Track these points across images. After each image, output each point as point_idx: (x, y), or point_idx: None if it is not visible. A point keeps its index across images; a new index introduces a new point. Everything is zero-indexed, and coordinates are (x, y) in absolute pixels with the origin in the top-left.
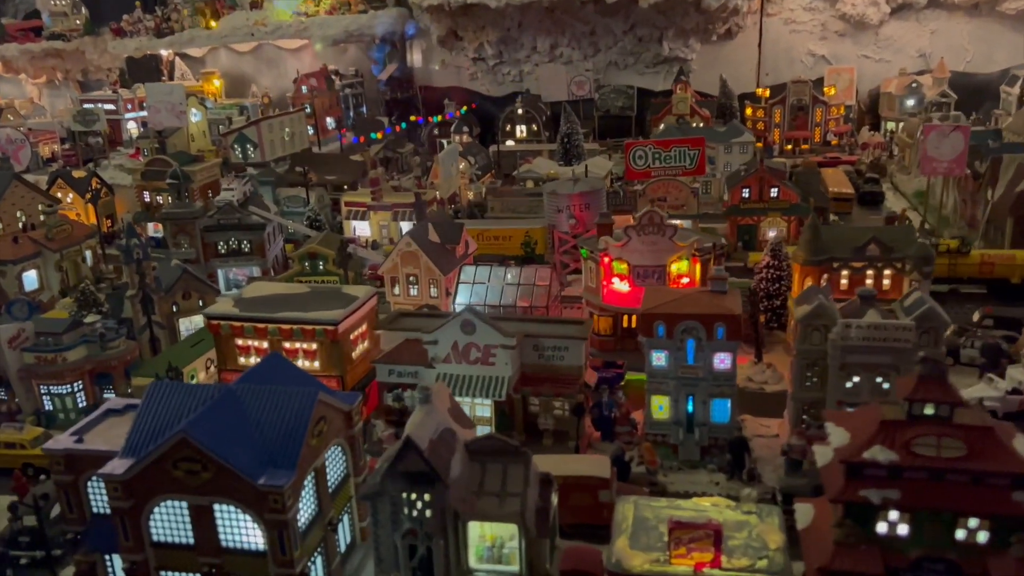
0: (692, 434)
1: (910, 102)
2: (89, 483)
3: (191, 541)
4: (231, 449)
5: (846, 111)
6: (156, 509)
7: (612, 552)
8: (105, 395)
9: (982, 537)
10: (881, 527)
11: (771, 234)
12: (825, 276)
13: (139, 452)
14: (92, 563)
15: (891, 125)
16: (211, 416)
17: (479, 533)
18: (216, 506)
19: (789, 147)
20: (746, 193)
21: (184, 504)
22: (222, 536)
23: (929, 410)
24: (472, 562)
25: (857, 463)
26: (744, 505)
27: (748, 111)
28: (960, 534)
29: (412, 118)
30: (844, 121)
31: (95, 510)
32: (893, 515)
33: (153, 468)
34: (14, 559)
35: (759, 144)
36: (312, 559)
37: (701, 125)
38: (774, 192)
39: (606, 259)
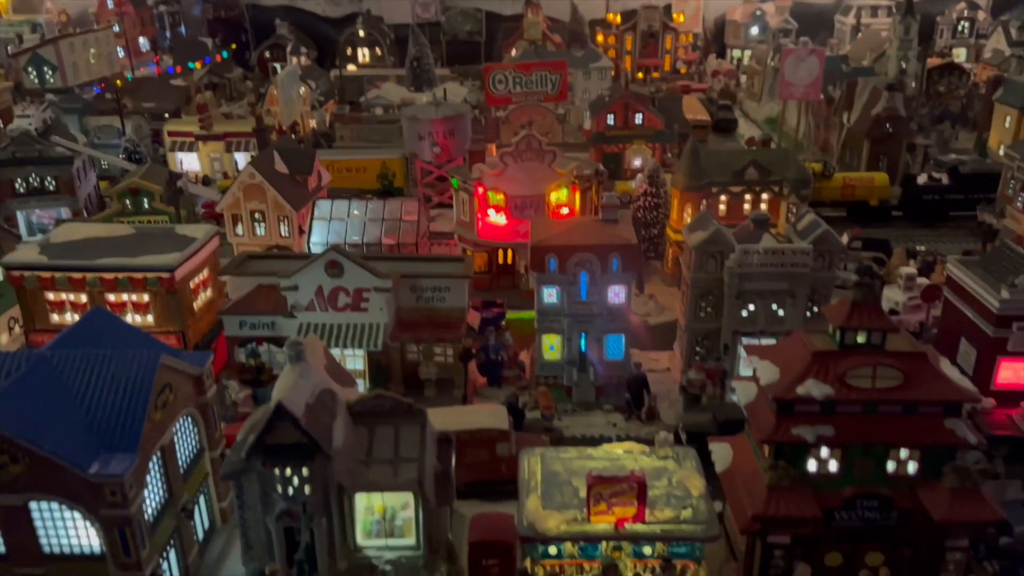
0: (585, 374)
1: (754, 30)
2: None
3: (1, 550)
4: (48, 433)
5: (694, 39)
6: None
7: (523, 514)
8: None
9: (912, 468)
10: (811, 464)
11: (636, 163)
12: (704, 202)
13: None
14: None
15: (737, 53)
16: (18, 393)
17: (366, 504)
18: (33, 505)
19: (640, 75)
20: (611, 120)
21: None
22: (44, 541)
23: (861, 338)
24: (360, 539)
25: (790, 400)
26: (660, 450)
27: (600, 37)
28: (890, 466)
29: (232, 46)
30: (692, 49)
31: None
32: (824, 452)
33: None
34: None
35: (612, 73)
36: (164, 553)
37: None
38: (639, 119)
39: (480, 189)
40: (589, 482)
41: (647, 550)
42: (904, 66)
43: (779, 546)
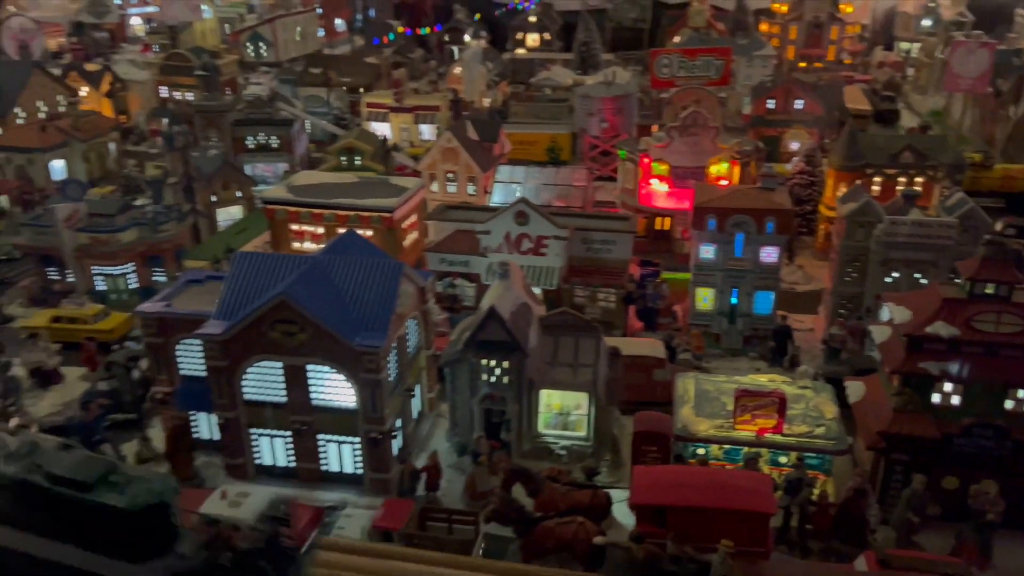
0: (735, 324)
1: (926, 22)
2: (178, 346)
3: (284, 400)
4: (326, 312)
5: (861, 30)
6: (250, 369)
7: (679, 419)
8: (154, 277)
9: None
10: (935, 397)
11: (793, 146)
12: (858, 182)
13: (232, 316)
14: (184, 421)
15: (905, 45)
16: (305, 281)
17: (547, 402)
18: (309, 366)
19: (803, 64)
20: (771, 104)
21: (279, 364)
22: (314, 395)
23: (990, 289)
24: (540, 428)
25: (919, 337)
26: (799, 380)
27: (763, 27)
28: (1009, 404)
29: (400, 28)
30: (859, 40)
31: (182, 372)
32: (947, 386)
33: (250, 329)
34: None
35: (775, 62)
36: (394, 421)
37: (717, 38)
38: (799, 104)
39: (645, 160)
40: (736, 395)
41: (783, 459)
42: None
43: (900, 462)
